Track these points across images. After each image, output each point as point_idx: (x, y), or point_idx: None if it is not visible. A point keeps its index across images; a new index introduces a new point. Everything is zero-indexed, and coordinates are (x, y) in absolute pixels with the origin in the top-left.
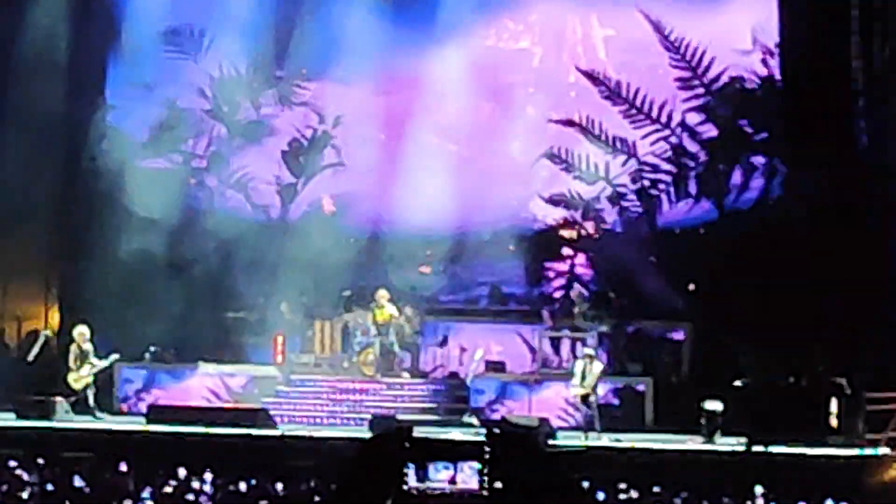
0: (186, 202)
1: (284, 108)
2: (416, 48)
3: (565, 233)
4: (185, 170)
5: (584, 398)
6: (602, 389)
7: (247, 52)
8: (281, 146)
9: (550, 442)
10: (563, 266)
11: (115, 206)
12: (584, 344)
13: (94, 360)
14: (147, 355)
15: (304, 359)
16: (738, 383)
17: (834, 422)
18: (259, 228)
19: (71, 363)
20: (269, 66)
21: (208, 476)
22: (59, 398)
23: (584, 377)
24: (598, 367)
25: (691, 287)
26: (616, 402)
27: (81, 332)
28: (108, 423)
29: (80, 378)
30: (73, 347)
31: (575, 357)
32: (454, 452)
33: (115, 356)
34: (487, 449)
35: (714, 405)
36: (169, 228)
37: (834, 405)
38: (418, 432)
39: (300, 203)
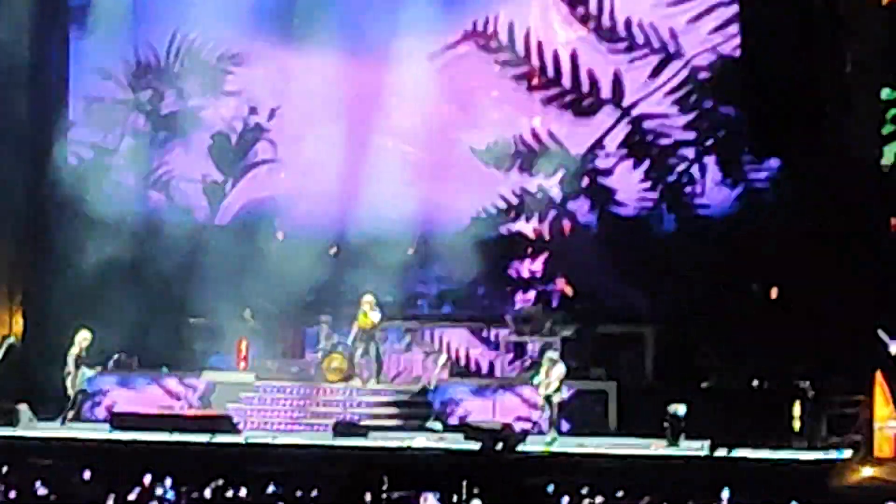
0: (134, 205)
1: (213, 98)
2: (367, 35)
3: (529, 236)
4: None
5: (547, 401)
6: (566, 393)
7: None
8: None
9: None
10: (527, 270)
11: (75, 210)
12: (548, 348)
13: (84, 367)
14: (110, 363)
15: (268, 364)
16: (702, 386)
17: (797, 425)
18: (200, 231)
19: (71, 368)
20: (196, 50)
21: (171, 483)
22: (23, 406)
23: (546, 381)
24: (560, 370)
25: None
26: (580, 406)
27: (85, 337)
28: (71, 430)
29: (75, 384)
30: (73, 351)
31: (539, 361)
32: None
33: (100, 368)
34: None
35: (678, 409)
36: (129, 233)
37: (797, 408)
38: (383, 438)
39: (233, 204)
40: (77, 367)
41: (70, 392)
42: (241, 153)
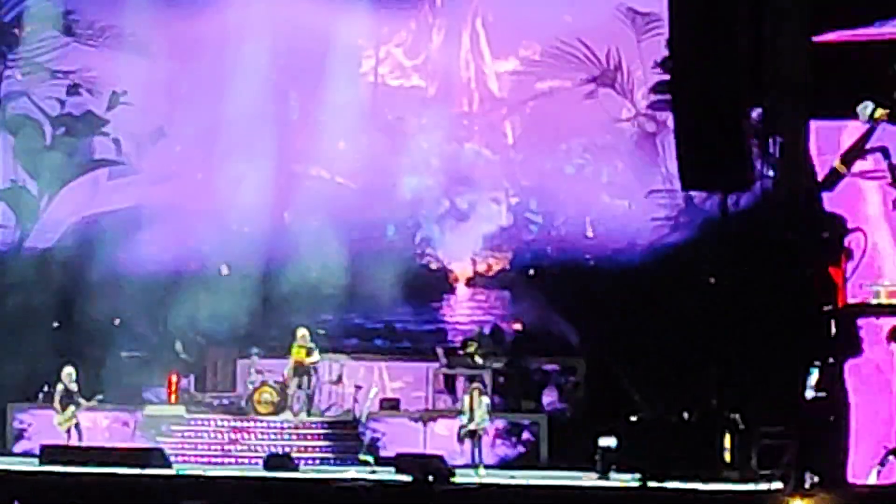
0: None
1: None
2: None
3: (458, 269)
4: None
5: (472, 433)
6: (496, 426)
7: None
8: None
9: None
10: (457, 303)
11: None
12: (475, 379)
13: (80, 400)
14: (40, 395)
15: (199, 397)
16: (632, 419)
17: (728, 457)
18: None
19: (56, 405)
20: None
21: None
22: None
23: (471, 412)
24: (484, 400)
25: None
26: (510, 438)
27: (69, 372)
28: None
29: (65, 420)
30: (60, 388)
31: (467, 394)
32: None
33: (99, 397)
34: None
35: (608, 441)
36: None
37: (727, 440)
38: (314, 470)
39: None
40: (66, 403)
41: (60, 428)
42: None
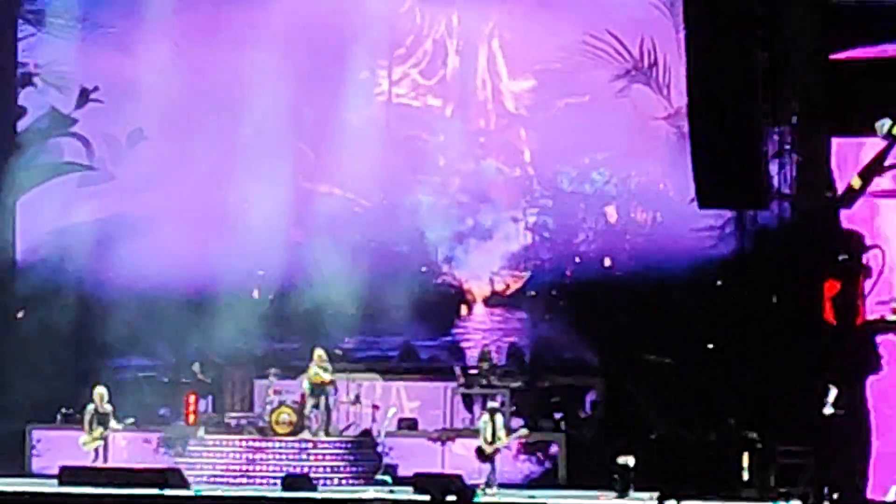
0: None
1: None
2: None
3: (476, 288)
4: None
5: (490, 454)
6: (515, 445)
7: None
8: None
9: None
10: (475, 322)
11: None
12: (492, 399)
13: (112, 422)
14: (58, 417)
15: (217, 418)
16: (650, 437)
17: (746, 475)
18: None
19: (85, 425)
20: None
21: None
22: None
23: (491, 432)
24: (500, 420)
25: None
26: (528, 457)
27: (101, 392)
28: (19, 485)
29: (91, 440)
30: (90, 408)
31: (487, 413)
32: None
33: (130, 420)
34: None
35: (626, 460)
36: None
37: (746, 458)
38: (332, 491)
39: None
40: (97, 423)
41: (88, 449)
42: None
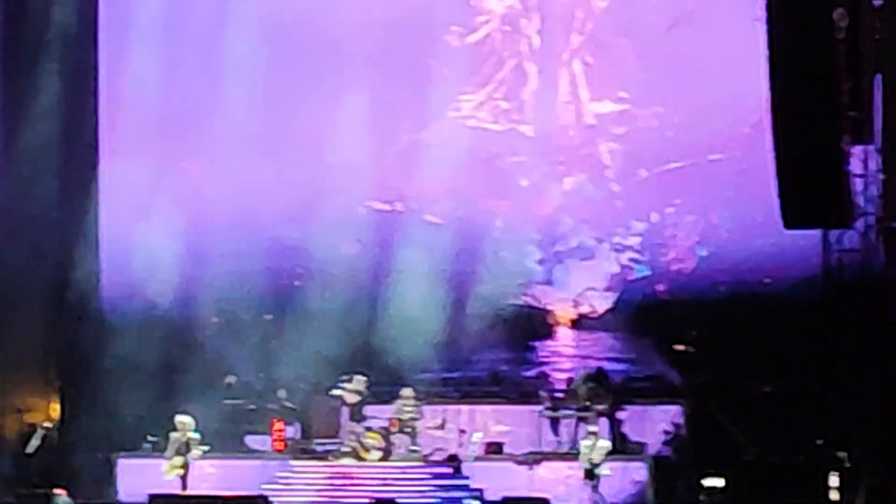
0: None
1: None
2: None
3: (561, 311)
4: None
5: (589, 476)
6: (605, 468)
7: None
8: None
9: None
10: (560, 345)
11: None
12: (586, 422)
13: (195, 450)
14: (145, 445)
15: (303, 444)
16: (738, 459)
17: (835, 496)
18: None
19: (168, 452)
20: None
21: None
22: (58, 490)
23: (589, 455)
24: (603, 444)
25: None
26: (617, 480)
27: (183, 421)
28: None
29: (172, 468)
30: (174, 436)
31: (574, 436)
32: None
33: (205, 447)
34: None
35: (714, 482)
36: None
37: (834, 479)
38: None
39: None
40: (180, 451)
41: (170, 477)
42: None
